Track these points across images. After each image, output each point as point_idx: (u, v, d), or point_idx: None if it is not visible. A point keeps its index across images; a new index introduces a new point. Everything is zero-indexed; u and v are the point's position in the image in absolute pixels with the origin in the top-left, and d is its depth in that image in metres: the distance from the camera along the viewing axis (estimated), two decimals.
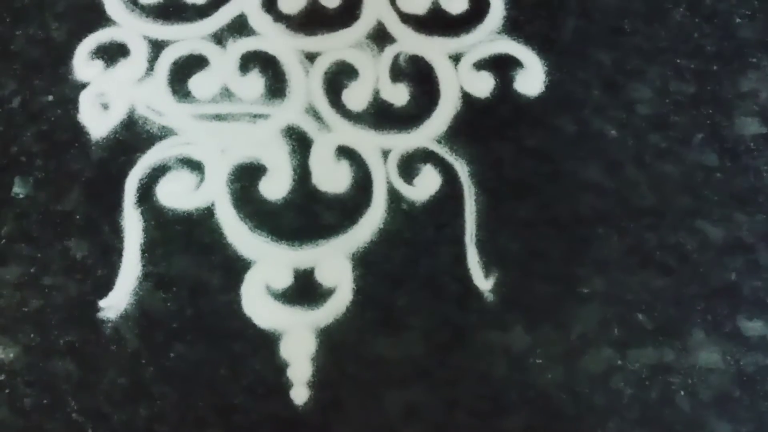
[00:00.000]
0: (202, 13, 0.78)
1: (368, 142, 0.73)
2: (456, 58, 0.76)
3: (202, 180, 0.71)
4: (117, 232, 0.69)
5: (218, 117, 0.74)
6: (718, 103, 0.74)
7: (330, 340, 0.65)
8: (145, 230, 0.69)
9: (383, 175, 0.71)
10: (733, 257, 0.68)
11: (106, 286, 0.67)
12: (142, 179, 0.71)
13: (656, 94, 0.74)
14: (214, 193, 0.71)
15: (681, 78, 0.75)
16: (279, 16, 0.78)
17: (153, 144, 0.73)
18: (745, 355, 0.65)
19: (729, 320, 0.66)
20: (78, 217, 0.70)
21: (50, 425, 0.63)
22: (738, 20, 0.78)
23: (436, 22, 0.78)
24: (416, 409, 0.63)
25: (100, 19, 0.78)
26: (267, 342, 0.65)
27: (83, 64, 0.76)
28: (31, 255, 0.68)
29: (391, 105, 0.74)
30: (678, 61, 0.76)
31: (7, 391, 0.64)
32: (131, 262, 0.68)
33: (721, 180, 0.71)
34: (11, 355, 0.65)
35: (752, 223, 0.69)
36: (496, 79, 0.75)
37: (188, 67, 0.76)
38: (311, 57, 0.76)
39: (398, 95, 0.75)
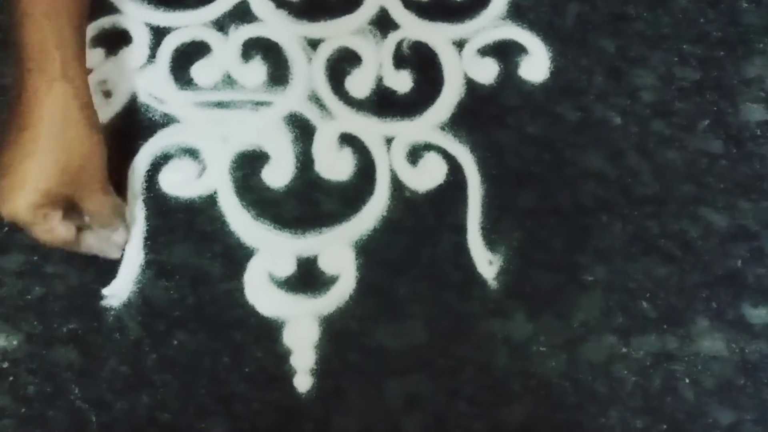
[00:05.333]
0: None
1: (371, 129, 0.72)
2: (460, 44, 0.76)
3: (204, 168, 0.71)
4: None
5: (220, 104, 0.74)
6: (723, 90, 0.74)
7: (333, 328, 0.65)
8: (148, 218, 0.69)
9: (386, 163, 0.71)
10: (738, 245, 0.68)
11: (108, 274, 0.67)
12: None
13: (660, 80, 0.74)
14: (216, 181, 0.70)
15: (685, 64, 0.74)
16: (281, 3, 0.78)
17: (155, 132, 0.72)
18: (750, 343, 0.65)
19: (733, 308, 0.66)
20: None
21: (53, 413, 0.63)
22: (744, 5, 0.77)
23: (440, 8, 0.77)
24: (418, 397, 0.63)
25: (101, 5, 0.77)
26: (270, 330, 0.65)
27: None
28: (33, 243, 0.68)
29: (395, 92, 0.74)
30: (682, 47, 0.75)
31: (10, 379, 0.64)
32: (134, 251, 0.68)
33: (725, 167, 0.71)
34: (14, 343, 0.65)
35: (757, 211, 0.69)
36: (500, 66, 0.75)
37: (190, 54, 0.76)
38: (314, 44, 0.76)
39: (401, 82, 0.75)
